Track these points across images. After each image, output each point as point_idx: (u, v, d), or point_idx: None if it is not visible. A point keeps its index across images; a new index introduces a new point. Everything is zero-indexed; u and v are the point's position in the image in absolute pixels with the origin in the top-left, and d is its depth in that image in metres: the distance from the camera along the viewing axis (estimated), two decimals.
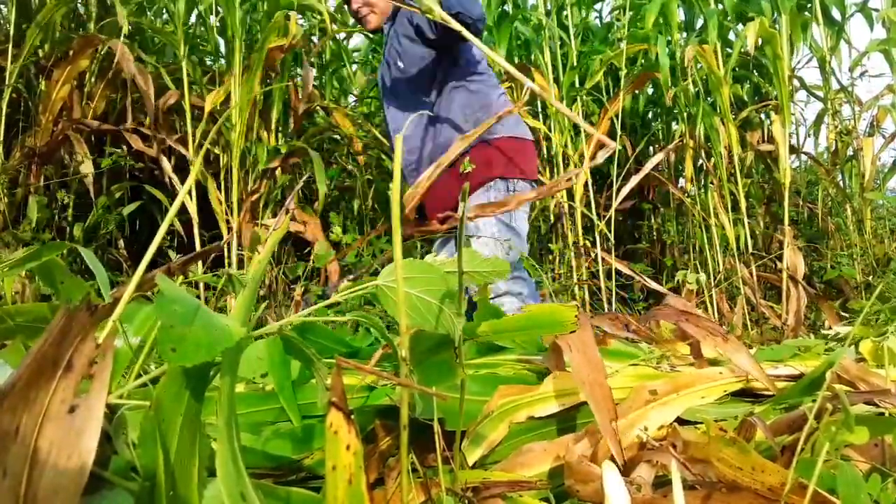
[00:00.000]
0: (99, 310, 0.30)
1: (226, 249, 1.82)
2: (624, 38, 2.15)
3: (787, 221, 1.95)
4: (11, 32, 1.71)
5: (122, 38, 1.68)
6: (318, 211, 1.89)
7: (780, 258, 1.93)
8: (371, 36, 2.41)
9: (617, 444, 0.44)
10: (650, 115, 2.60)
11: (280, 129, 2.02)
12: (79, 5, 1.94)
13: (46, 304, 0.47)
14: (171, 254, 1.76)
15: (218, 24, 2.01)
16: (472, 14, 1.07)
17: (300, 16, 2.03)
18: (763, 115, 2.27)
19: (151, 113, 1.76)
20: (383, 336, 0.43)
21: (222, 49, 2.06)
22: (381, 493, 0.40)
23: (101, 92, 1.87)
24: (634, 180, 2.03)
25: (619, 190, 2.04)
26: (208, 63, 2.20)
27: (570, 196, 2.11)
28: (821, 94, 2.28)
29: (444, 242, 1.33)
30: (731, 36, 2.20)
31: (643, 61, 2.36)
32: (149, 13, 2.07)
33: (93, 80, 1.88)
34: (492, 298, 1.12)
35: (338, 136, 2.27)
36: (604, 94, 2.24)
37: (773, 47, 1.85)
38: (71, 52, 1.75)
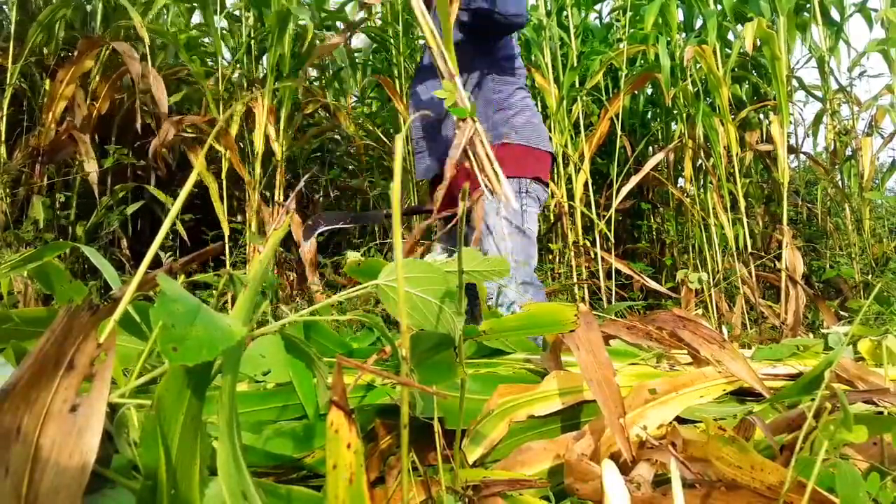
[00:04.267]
0: (100, 309, 0.30)
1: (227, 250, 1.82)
2: (624, 39, 2.16)
3: (785, 221, 1.95)
4: (13, 31, 1.71)
5: (148, 48, 1.68)
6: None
7: (778, 258, 1.93)
8: (373, 35, 2.41)
9: (626, 441, 0.44)
10: (649, 115, 2.60)
11: (285, 129, 2.02)
12: (85, 4, 1.94)
13: (45, 308, 0.47)
14: (162, 254, 1.77)
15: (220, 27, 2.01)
16: (506, 10, 1.04)
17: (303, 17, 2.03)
18: (762, 115, 2.27)
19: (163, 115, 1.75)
20: (384, 335, 0.44)
21: (225, 52, 2.06)
22: (382, 491, 0.40)
23: (105, 93, 1.87)
24: (634, 180, 2.04)
25: (618, 190, 2.04)
26: (210, 64, 2.20)
27: (570, 196, 2.11)
28: (820, 94, 2.28)
29: (446, 240, 1.30)
30: (731, 36, 2.20)
31: (643, 62, 2.36)
32: (150, 14, 2.07)
33: (97, 78, 1.88)
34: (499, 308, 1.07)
35: (339, 136, 2.27)
36: (603, 94, 2.24)
37: (772, 48, 1.85)
38: (76, 53, 1.74)
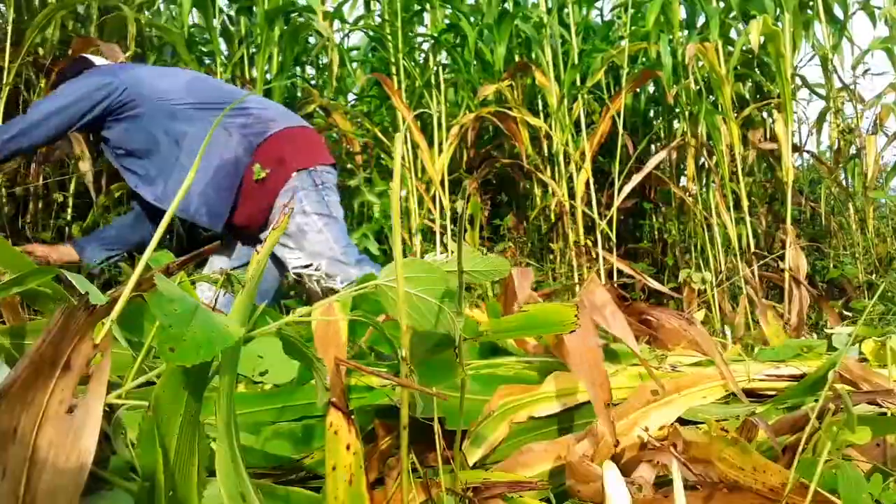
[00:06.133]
0: (97, 310, 0.30)
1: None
2: (625, 37, 2.15)
3: (789, 220, 1.94)
4: (9, 31, 1.71)
5: (129, 42, 1.68)
6: None
7: (782, 257, 1.92)
8: (371, 34, 2.40)
9: (610, 425, 0.44)
10: (652, 113, 2.59)
11: None
12: (79, 6, 1.94)
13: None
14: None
15: (219, 26, 2.02)
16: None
17: (300, 14, 2.02)
18: (765, 114, 2.26)
19: None
20: (384, 336, 0.43)
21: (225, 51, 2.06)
22: (381, 492, 0.40)
23: None
24: (636, 179, 2.03)
25: (620, 189, 2.03)
26: (207, 62, 2.20)
27: (572, 195, 2.11)
28: (823, 92, 2.27)
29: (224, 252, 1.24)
30: (733, 34, 2.19)
31: (644, 59, 2.35)
32: (147, 12, 2.07)
33: None
34: (344, 286, 1.08)
35: (335, 135, 2.27)
36: (605, 92, 2.23)
37: (776, 45, 1.84)
38: (70, 52, 1.75)
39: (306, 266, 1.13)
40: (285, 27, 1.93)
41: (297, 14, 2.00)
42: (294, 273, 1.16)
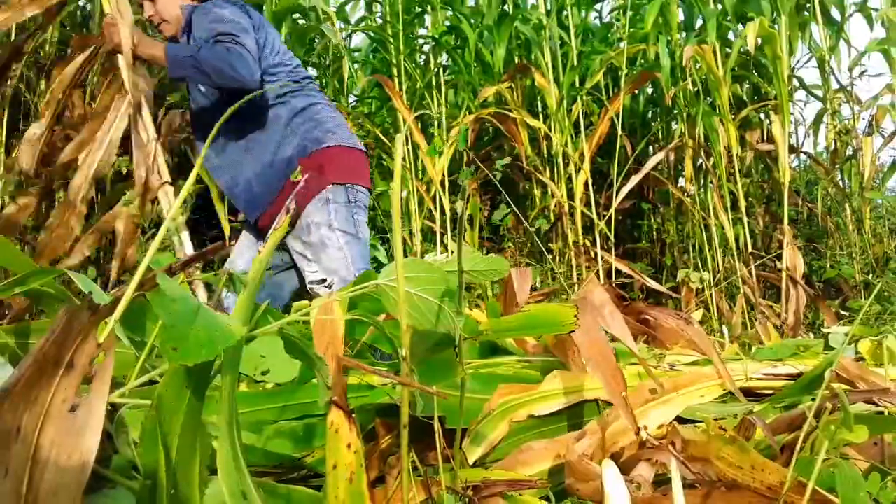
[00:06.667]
0: (100, 309, 0.30)
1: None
2: (624, 38, 2.15)
3: (786, 221, 1.95)
4: (13, 34, 1.71)
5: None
6: None
7: (779, 257, 1.93)
8: (373, 35, 2.41)
9: (630, 414, 0.44)
10: (650, 114, 2.60)
11: None
12: (83, 4, 1.94)
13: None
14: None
15: None
16: (221, 76, 1.03)
17: (302, 16, 2.03)
18: (762, 115, 2.27)
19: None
20: (385, 335, 0.44)
21: None
22: (382, 491, 0.40)
23: (104, 92, 1.86)
24: (634, 180, 2.03)
25: (618, 189, 2.04)
26: None
27: (570, 195, 2.11)
28: (820, 93, 2.28)
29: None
30: (731, 36, 2.20)
31: (643, 61, 2.36)
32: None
33: (95, 79, 1.87)
34: None
35: None
36: (604, 93, 2.24)
37: (773, 47, 1.85)
38: (70, 52, 1.74)
39: (321, 281, 1.11)
40: (294, 27, 1.92)
41: (301, 16, 2.00)
42: (308, 285, 1.14)
